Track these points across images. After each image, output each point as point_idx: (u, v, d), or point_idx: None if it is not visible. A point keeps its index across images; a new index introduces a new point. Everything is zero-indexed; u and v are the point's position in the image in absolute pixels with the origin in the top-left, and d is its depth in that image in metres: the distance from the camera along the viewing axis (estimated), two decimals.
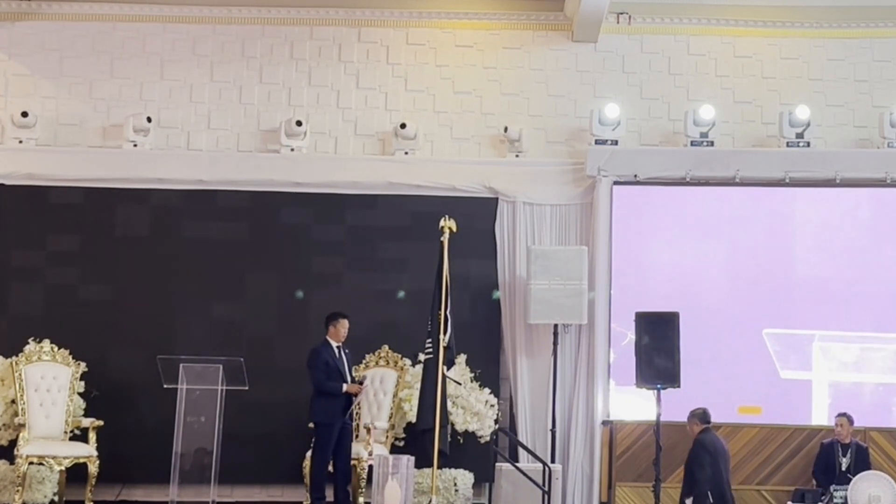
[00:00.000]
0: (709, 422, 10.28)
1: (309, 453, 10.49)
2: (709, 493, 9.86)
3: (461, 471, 11.01)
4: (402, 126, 11.95)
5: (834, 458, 10.91)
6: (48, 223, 11.78)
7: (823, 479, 10.83)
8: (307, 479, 10.51)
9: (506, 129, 12.03)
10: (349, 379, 10.43)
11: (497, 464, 10.73)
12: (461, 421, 11.06)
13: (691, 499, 9.93)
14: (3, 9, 12.27)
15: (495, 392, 11.45)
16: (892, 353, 11.71)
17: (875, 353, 11.73)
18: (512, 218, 11.96)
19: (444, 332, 9.96)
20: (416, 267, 11.46)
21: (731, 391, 11.64)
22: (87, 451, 10.66)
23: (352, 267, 11.84)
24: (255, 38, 12.41)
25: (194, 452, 10.03)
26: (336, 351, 10.44)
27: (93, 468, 10.63)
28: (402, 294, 11.76)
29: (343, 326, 10.45)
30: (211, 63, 12.38)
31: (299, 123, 11.91)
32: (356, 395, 10.45)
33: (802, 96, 12.13)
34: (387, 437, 11.00)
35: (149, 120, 11.95)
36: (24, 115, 11.82)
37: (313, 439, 10.38)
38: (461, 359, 11.18)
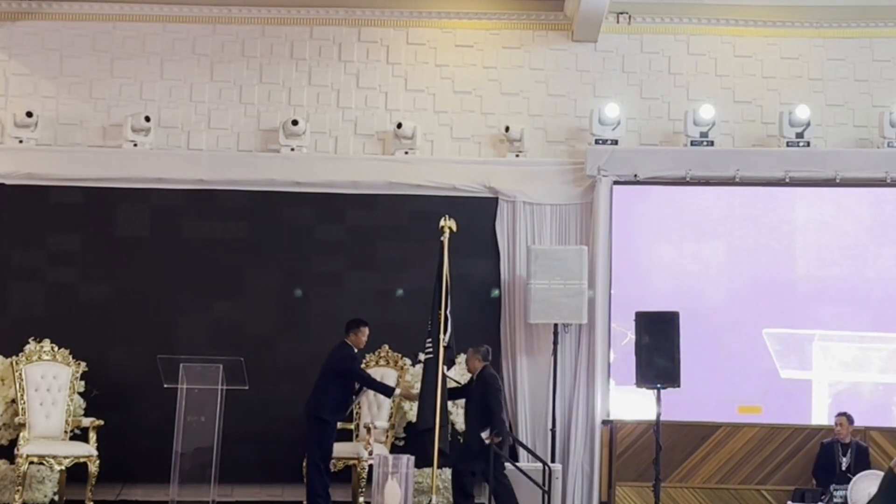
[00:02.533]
0: (489, 360, 10.52)
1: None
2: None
3: None
4: (399, 126, 11.95)
5: (834, 457, 10.90)
6: (48, 223, 11.77)
7: (823, 479, 10.81)
8: (307, 479, 10.50)
9: (507, 129, 12.03)
10: None
11: None
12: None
13: (487, 431, 10.13)
14: (3, 9, 12.26)
15: None
16: (892, 352, 11.70)
17: (875, 353, 11.73)
18: (512, 217, 11.95)
19: (444, 332, 9.97)
20: (416, 267, 11.46)
21: (731, 391, 11.65)
22: (87, 451, 10.67)
23: (352, 266, 11.83)
24: (255, 38, 12.40)
25: (194, 452, 10.04)
26: None
27: (93, 468, 10.63)
28: (400, 293, 11.76)
29: (363, 334, 10.50)
30: (211, 63, 12.38)
31: (295, 123, 11.90)
32: (409, 399, 10.81)
33: (802, 96, 12.13)
34: (387, 436, 11.00)
35: (148, 119, 11.94)
36: (29, 114, 11.79)
37: (312, 437, 10.30)
38: (461, 359, 11.18)
